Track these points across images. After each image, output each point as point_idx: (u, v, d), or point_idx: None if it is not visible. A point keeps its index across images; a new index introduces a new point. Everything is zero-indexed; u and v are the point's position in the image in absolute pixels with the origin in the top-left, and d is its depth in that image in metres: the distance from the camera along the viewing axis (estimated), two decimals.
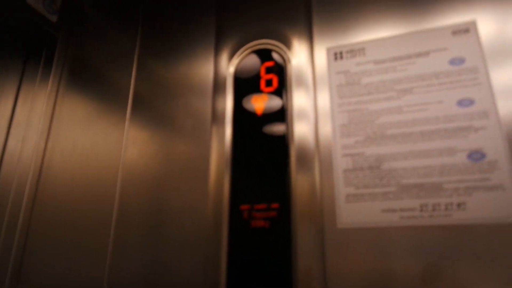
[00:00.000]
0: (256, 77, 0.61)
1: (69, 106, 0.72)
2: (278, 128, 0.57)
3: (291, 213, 0.52)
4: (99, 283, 0.58)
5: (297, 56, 0.61)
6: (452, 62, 0.51)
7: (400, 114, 0.51)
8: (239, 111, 0.61)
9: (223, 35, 0.67)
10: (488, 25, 0.50)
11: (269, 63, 0.61)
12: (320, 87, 0.57)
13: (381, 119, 0.52)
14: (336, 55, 0.58)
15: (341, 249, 0.49)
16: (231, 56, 0.65)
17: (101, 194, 0.64)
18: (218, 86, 0.64)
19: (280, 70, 0.60)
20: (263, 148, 0.57)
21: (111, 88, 0.71)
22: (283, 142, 0.56)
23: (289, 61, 0.60)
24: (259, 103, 0.60)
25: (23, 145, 0.69)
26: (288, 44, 0.62)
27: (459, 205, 0.45)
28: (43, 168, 0.69)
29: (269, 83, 0.60)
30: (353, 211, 0.49)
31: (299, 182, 0.54)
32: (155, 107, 0.67)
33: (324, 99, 0.56)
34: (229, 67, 0.64)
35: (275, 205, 0.53)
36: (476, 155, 0.46)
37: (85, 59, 0.75)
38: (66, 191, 0.66)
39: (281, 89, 0.59)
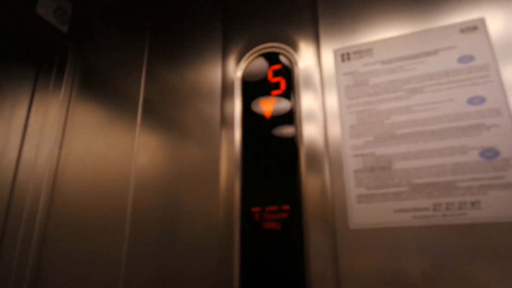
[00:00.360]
0: (264, 80, 0.62)
1: (81, 114, 0.74)
2: (287, 131, 0.58)
3: (302, 214, 0.52)
4: (114, 285, 0.59)
5: (304, 58, 0.61)
6: (461, 60, 0.50)
7: (410, 114, 0.51)
8: (248, 114, 0.61)
9: (230, 39, 0.68)
10: (497, 22, 0.50)
11: (277, 66, 0.62)
12: (328, 88, 0.57)
13: (391, 119, 0.52)
14: (343, 56, 0.58)
15: (353, 250, 0.48)
16: (238, 60, 0.65)
17: (114, 199, 0.65)
18: (226, 90, 0.64)
19: (287, 73, 0.61)
20: (272, 151, 0.57)
21: (121, 95, 0.73)
22: (292, 144, 0.56)
23: (296, 63, 0.61)
24: (268, 106, 0.60)
25: (38, 153, 0.70)
26: (294, 47, 0.62)
27: (473, 203, 0.45)
28: (58, 175, 0.70)
29: (277, 86, 0.60)
30: (365, 211, 0.49)
31: (310, 183, 0.54)
32: (165, 112, 0.68)
33: (332, 100, 0.56)
34: (236, 71, 0.65)
35: (286, 207, 0.53)
36: (489, 153, 0.46)
37: (96, 67, 0.77)
38: (80, 196, 0.67)
39: (289, 91, 0.60)
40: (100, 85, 0.75)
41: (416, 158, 0.49)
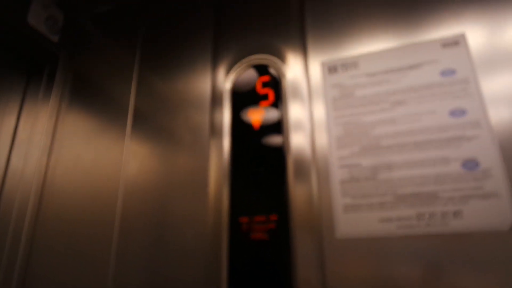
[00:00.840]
0: (253, 91, 0.63)
1: (71, 122, 0.74)
2: (275, 140, 0.59)
3: (289, 224, 0.53)
4: None
5: (292, 70, 0.62)
6: (443, 73, 0.52)
7: (394, 125, 0.52)
8: (237, 124, 0.62)
9: (220, 50, 0.69)
10: (477, 37, 0.52)
11: (265, 78, 0.63)
12: (315, 99, 0.58)
13: (376, 131, 0.53)
14: (331, 69, 0.59)
15: (340, 259, 0.49)
16: (227, 71, 0.66)
17: (103, 207, 0.65)
18: (215, 100, 0.65)
19: (276, 84, 0.62)
20: (261, 160, 0.58)
21: (111, 104, 0.73)
22: (280, 154, 0.57)
23: (284, 75, 0.62)
24: (256, 116, 0.61)
25: (26, 162, 0.70)
26: (283, 59, 0.63)
27: (455, 213, 0.46)
28: (46, 183, 0.70)
29: (265, 97, 0.61)
30: (351, 221, 0.50)
31: (297, 193, 0.54)
32: (155, 121, 0.68)
33: (319, 111, 0.57)
34: (226, 82, 0.66)
35: (273, 217, 0.54)
36: (470, 164, 0.47)
37: (86, 75, 0.77)
38: (69, 205, 0.67)
39: (277, 102, 0.61)
40: (91, 94, 0.75)
41: (400, 168, 0.50)
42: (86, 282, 0.61)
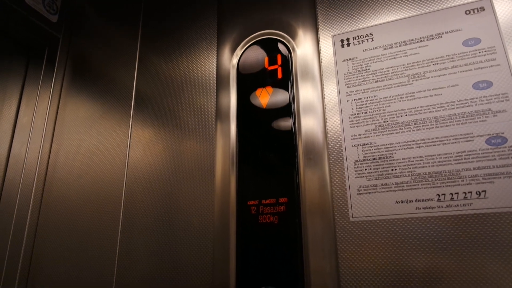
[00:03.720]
0: (260, 69, 0.59)
1: (73, 107, 0.72)
2: (284, 121, 0.56)
3: (300, 207, 0.50)
4: (108, 285, 0.57)
5: (302, 45, 0.58)
6: (467, 43, 0.48)
7: (412, 100, 0.48)
8: (244, 105, 0.59)
9: (225, 27, 0.65)
10: (504, 2, 0.47)
11: (273, 54, 0.59)
12: (327, 76, 0.55)
13: (392, 107, 0.49)
14: (343, 42, 0.55)
15: (354, 243, 0.47)
16: (234, 49, 0.63)
17: (108, 194, 0.63)
18: (221, 79, 0.62)
19: (285, 61, 0.58)
20: (269, 142, 0.55)
21: (113, 87, 0.70)
22: (290, 135, 0.54)
23: (294, 51, 0.58)
24: (264, 96, 0.58)
25: (28, 148, 0.68)
26: (292, 34, 0.60)
27: (478, 193, 0.43)
28: (49, 170, 0.68)
29: (274, 74, 0.58)
30: (365, 203, 0.47)
31: (308, 175, 0.51)
32: (158, 104, 0.66)
33: (331, 88, 0.54)
34: (232, 60, 0.62)
35: (283, 200, 0.51)
36: (496, 140, 0.43)
37: (87, 58, 0.75)
38: (72, 192, 0.66)
39: (287, 80, 0.57)
40: (92, 76, 0.73)
41: (419, 146, 0.47)
42: (91, 270, 0.60)
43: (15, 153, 0.68)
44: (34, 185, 0.65)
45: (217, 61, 0.63)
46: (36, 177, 0.66)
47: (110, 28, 0.76)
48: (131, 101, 0.68)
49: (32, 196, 0.65)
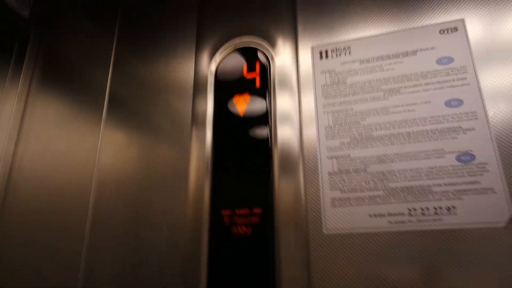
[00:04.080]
0: (239, 76, 0.59)
1: (42, 107, 0.68)
2: (260, 130, 0.55)
3: (274, 218, 0.49)
4: (72, 285, 0.55)
5: (281, 54, 0.58)
6: (440, 61, 0.49)
7: (387, 115, 0.49)
8: (221, 112, 0.58)
9: (205, 32, 0.64)
10: (476, 24, 0.49)
11: (252, 62, 0.59)
12: (305, 87, 0.55)
13: (367, 120, 0.50)
14: (321, 54, 0.56)
15: (327, 256, 0.46)
16: (212, 54, 0.62)
17: (75, 197, 0.60)
18: (198, 85, 0.61)
19: (263, 69, 0.58)
20: (245, 151, 0.54)
21: (86, 88, 0.68)
22: (266, 144, 0.54)
23: (273, 60, 0.58)
24: (241, 104, 0.57)
25: None
26: (272, 42, 0.60)
27: (448, 208, 0.43)
28: (13, 171, 0.65)
29: (252, 82, 0.57)
30: (339, 216, 0.47)
31: (283, 186, 0.51)
32: (133, 107, 0.64)
33: (308, 99, 0.54)
34: (210, 66, 0.61)
35: (257, 211, 0.50)
36: (465, 157, 0.44)
37: (59, 56, 0.72)
38: (38, 194, 0.62)
39: (265, 89, 0.57)
40: (64, 75, 0.70)
41: (392, 161, 0.47)
42: (55, 277, 0.56)
43: None
44: None
45: (195, 66, 0.62)
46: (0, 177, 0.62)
47: (86, 25, 0.74)
48: (104, 102, 0.65)
49: None
